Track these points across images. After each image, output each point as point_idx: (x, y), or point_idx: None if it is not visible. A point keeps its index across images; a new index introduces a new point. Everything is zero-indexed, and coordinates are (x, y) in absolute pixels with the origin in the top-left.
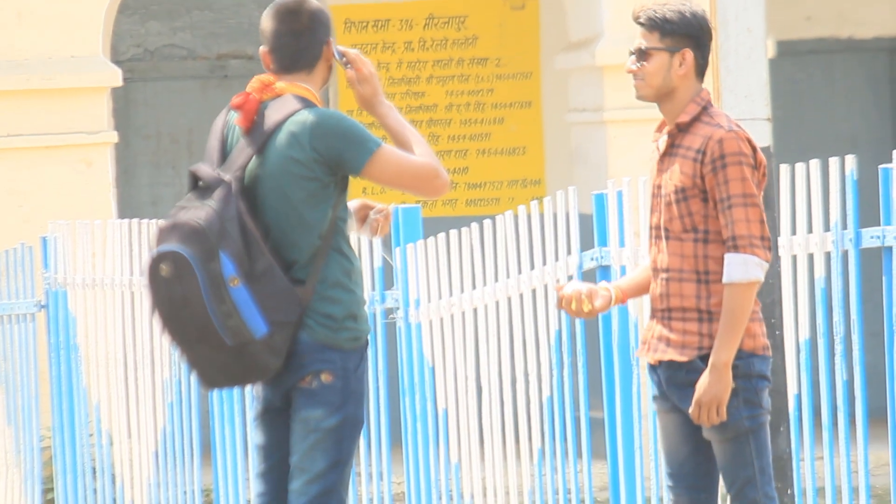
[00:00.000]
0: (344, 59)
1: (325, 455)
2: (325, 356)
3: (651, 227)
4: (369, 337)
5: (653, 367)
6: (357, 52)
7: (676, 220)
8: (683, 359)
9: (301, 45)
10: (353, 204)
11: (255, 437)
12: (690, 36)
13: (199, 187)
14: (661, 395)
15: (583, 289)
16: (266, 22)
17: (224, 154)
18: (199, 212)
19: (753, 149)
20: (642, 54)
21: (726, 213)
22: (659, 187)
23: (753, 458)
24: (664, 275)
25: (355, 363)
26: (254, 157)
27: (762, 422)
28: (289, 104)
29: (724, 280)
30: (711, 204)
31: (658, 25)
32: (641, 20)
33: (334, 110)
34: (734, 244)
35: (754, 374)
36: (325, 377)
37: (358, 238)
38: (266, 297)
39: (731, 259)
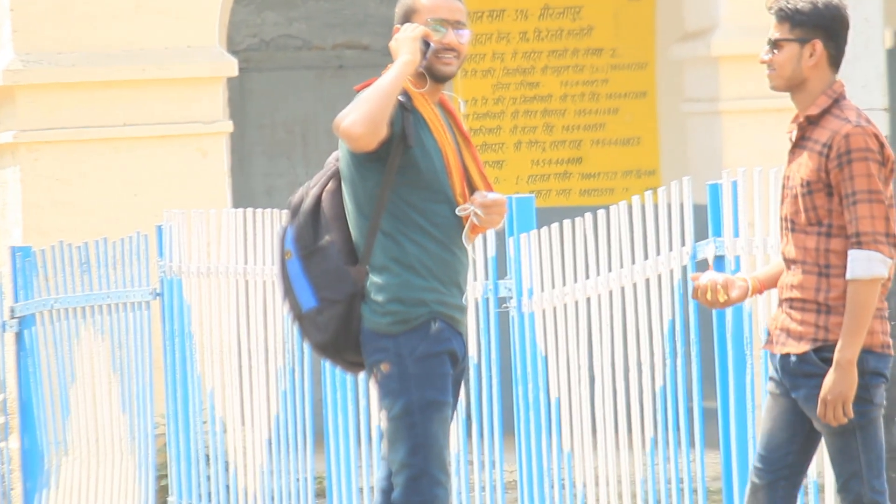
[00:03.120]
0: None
1: (402, 443)
2: (378, 344)
3: (780, 218)
4: (445, 320)
5: (772, 354)
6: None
7: (801, 213)
8: (798, 350)
9: None
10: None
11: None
12: (821, 27)
13: None
14: (776, 379)
15: (719, 279)
16: None
17: None
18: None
19: (881, 144)
20: (774, 45)
21: (851, 209)
22: (788, 178)
23: (860, 452)
24: (790, 266)
25: (411, 347)
26: None
27: (872, 417)
28: None
29: (848, 276)
30: (836, 199)
31: (788, 16)
32: (773, 11)
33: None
34: (858, 240)
35: (867, 371)
36: (384, 367)
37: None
38: (319, 274)
39: (854, 255)
